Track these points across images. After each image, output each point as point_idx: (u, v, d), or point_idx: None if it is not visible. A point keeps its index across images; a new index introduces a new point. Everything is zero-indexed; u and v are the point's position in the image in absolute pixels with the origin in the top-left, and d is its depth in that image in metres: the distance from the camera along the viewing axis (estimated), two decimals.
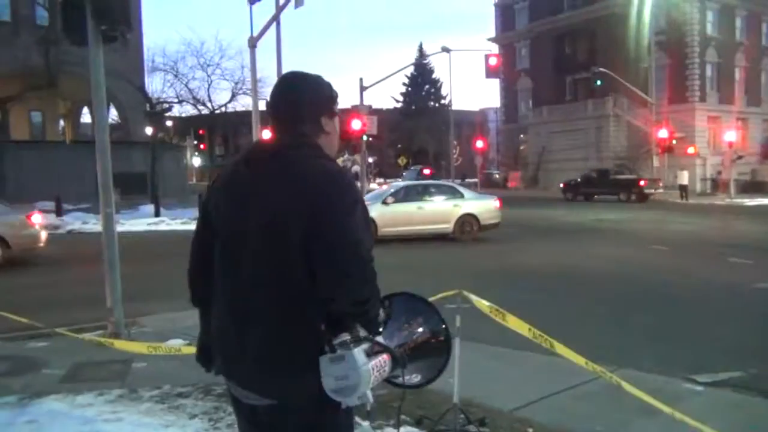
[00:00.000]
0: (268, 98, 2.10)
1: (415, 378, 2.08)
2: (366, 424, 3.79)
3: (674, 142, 32.03)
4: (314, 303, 1.80)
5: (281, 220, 1.80)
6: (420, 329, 2.09)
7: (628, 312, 8.06)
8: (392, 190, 16.92)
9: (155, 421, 4.20)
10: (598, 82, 30.41)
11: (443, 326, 2.14)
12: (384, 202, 15.77)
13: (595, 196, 34.11)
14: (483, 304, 3.69)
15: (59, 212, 22.29)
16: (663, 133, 32.29)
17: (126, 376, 5.19)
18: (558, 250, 14.45)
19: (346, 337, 1.77)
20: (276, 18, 19.30)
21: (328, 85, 2.04)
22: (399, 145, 69.87)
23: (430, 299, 4.07)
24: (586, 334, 6.87)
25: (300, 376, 1.80)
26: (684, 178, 34.12)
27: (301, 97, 1.98)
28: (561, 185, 37.68)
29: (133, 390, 4.81)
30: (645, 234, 17.28)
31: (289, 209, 1.79)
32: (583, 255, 13.43)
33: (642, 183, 32.83)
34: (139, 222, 21.79)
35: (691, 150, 39.84)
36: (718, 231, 18.63)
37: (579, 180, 36.19)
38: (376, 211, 14.83)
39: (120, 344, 5.06)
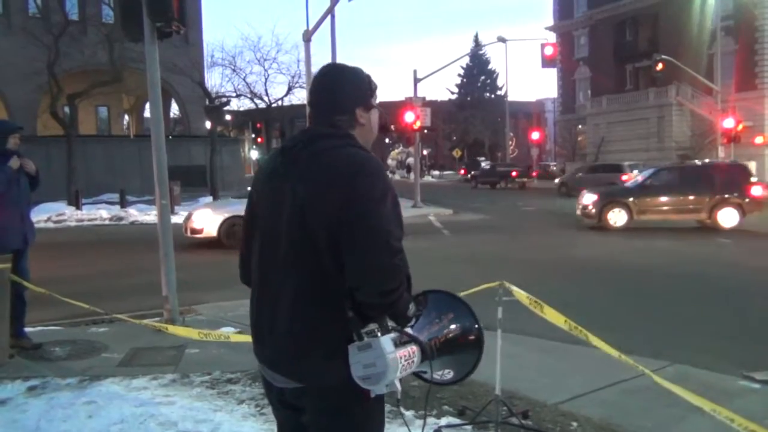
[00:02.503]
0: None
1: (447, 375, 2.09)
2: (406, 412, 3.83)
3: (740, 127, 30.64)
4: (343, 291, 1.83)
5: (311, 208, 1.84)
6: (451, 325, 2.08)
7: (687, 306, 7.83)
8: None
9: (205, 406, 4.34)
10: (659, 66, 29.38)
11: (476, 325, 2.11)
12: None
13: (497, 185, 41.42)
14: (522, 295, 3.65)
15: (123, 204, 23.10)
16: (729, 123, 30.91)
17: (179, 362, 5.36)
18: (617, 242, 14.10)
19: (374, 326, 1.81)
20: (330, 11, 19.44)
21: (367, 78, 2.06)
22: (454, 137, 69.40)
23: (473, 290, 4.09)
24: (642, 328, 6.74)
25: (325, 362, 1.84)
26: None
27: (337, 89, 2.02)
28: (469, 175, 47.09)
29: (186, 375, 4.98)
30: (707, 227, 16.67)
31: (318, 198, 1.83)
32: (645, 249, 13.08)
33: (514, 174, 41.13)
34: None
35: (759, 140, 38.13)
36: None
37: (478, 171, 46.04)
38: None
39: (173, 329, 5.23)
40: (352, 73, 2.05)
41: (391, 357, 1.74)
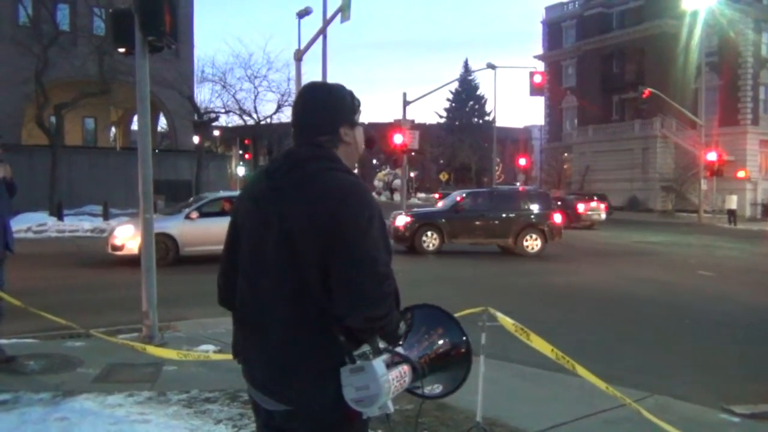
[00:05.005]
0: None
1: (437, 389, 2.07)
2: None
3: (723, 159, 31.21)
4: (332, 315, 1.81)
5: (298, 235, 1.81)
6: (440, 341, 2.07)
7: (669, 337, 7.84)
8: (197, 204, 14.34)
9: (181, 425, 4.25)
10: (645, 93, 29.91)
11: (464, 338, 2.10)
12: (187, 217, 13.56)
13: None
14: (508, 321, 3.64)
15: (106, 216, 22.87)
16: (712, 156, 31.50)
17: (156, 379, 5.27)
18: (601, 271, 14.17)
19: (366, 348, 1.80)
20: (322, 32, 19.57)
21: (349, 94, 2.02)
22: (441, 161, 69.75)
23: (457, 314, 4.06)
24: (624, 357, 6.74)
25: (314, 385, 1.81)
26: (733, 202, 33.21)
27: (320, 108, 1.98)
28: None
29: (162, 393, 4.88)
30: (691, 259, 16.82)
31: (305, 225, 1.81)
32: (628, 278, 13.14)
33: None
34: None
35: (741, 174, 38.79)
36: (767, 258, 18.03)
37: None
38: (176, 227, 13.34)
39: (152, 350, 5.12)
40: (334, 90, 2.01)
41: (383, 379, 1.74)
